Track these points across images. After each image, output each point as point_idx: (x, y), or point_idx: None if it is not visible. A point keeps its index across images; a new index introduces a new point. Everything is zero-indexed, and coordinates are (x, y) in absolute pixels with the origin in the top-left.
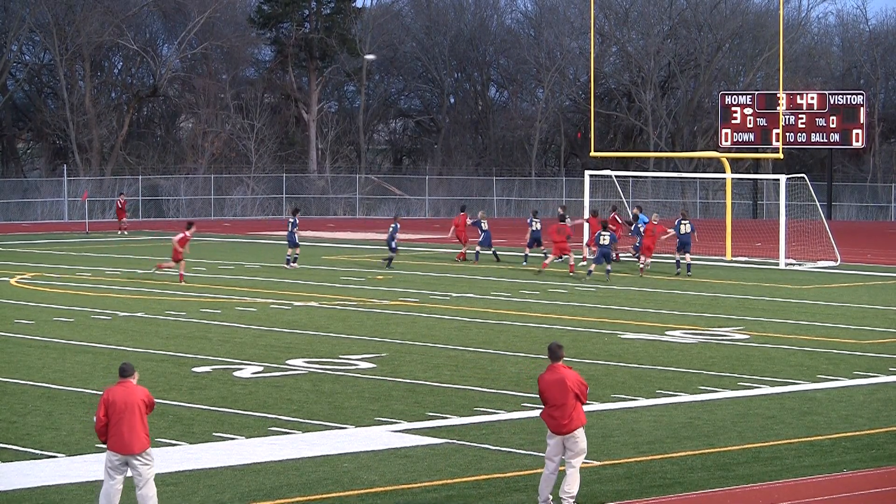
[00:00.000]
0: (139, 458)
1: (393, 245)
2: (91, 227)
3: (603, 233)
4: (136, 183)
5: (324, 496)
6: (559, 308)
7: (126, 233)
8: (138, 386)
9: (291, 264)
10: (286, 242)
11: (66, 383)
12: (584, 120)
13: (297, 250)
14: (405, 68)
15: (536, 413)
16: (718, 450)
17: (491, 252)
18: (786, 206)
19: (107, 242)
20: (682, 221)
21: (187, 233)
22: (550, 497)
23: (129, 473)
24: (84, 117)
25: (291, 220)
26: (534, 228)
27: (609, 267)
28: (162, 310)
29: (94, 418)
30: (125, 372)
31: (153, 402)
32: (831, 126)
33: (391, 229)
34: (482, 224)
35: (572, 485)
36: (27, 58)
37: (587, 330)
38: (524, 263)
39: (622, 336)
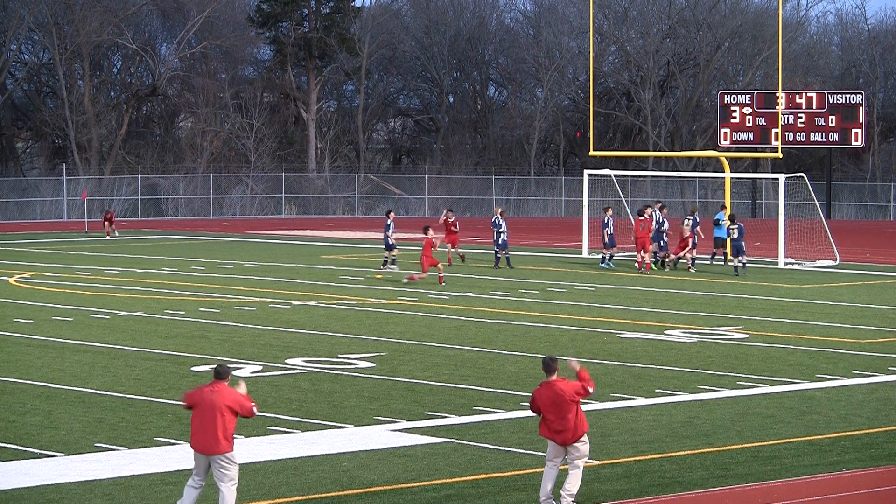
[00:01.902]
0: (217, 459)
1: (500, 241)
2: (90, 226)
3: (732, 226)
4: (134, 182)
5: (323, 495)
6: (558, 307)
7: (111, 234)
8: (229, 389)
9: (390, 266)
10: (383, 245)
11: (65, 382)
12: (584, 119)
13: (395, 252)
14: (404, 67)
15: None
16: (717, 449)
17: (502, 255)
18: (785, 206)
19: (106, 242)
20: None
21: (430, 235)
22: (552, 497)
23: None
24: (83, 116)
25: (388, 221)
26: (664, 228)
27: (742, 260)
28: (161, 309)
29: None
30: (218, 374)
31: (241, 405)
32: (830, 125)
33: (500, 225)
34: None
35: (573, 484)
36: (26, 57)
37: (586, 329)
38: (666, 269)
39: (621, 335)
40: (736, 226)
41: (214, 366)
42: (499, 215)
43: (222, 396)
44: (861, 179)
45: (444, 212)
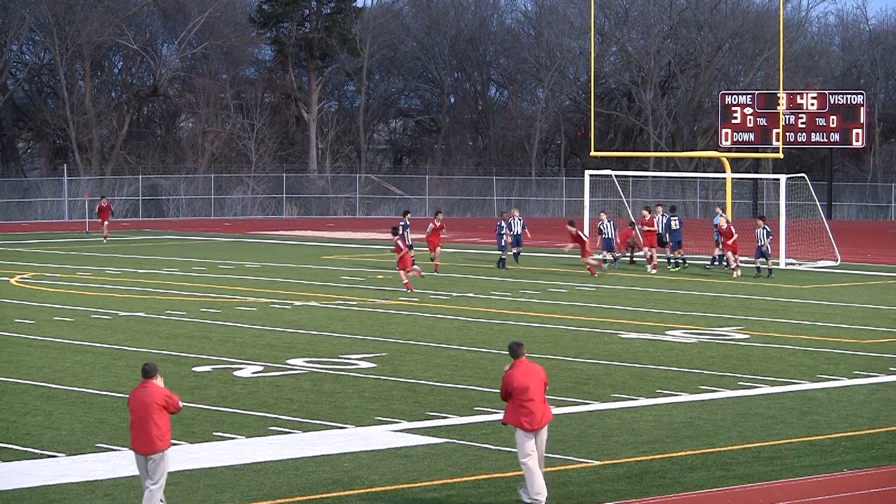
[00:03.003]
0: (150, 458)
1: (502, 243)
2: (91, 226)
3: (764, 226)
4: (136, 182)
5: (324, 496)
6: (559, 308)
7: (105, 240)
8: (158, 387)
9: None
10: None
11: (66, 383)
12: (585, 119)
13: (411, 252)
14: (405, 68)
15: None
16: (719, 449)
17: (513, 253)
18: (786, 206)
19: (107, 242)
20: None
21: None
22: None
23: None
24: (84, 117)
25: (403, 222)
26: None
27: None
28: (162, 309)
29: None
30: (146, 373)
31: (170, 401)
32: (831, 126)
33: (512, 226)
34: (513, 223)
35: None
36: (27, 57)
37: (587, 329)
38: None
39: (622, 336)
40: (764, 229)
41: (143, 364)
42: (514, 216)
43: (153, 395)
44: (862, 180)
45: (437, 214)
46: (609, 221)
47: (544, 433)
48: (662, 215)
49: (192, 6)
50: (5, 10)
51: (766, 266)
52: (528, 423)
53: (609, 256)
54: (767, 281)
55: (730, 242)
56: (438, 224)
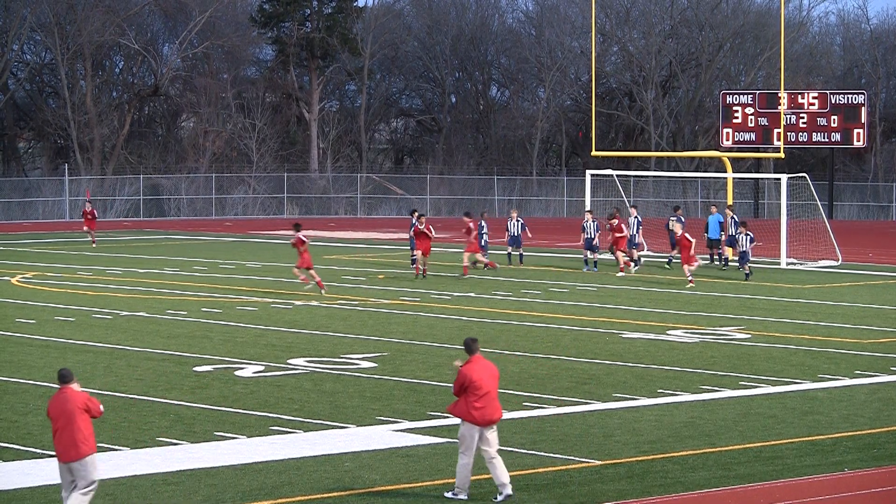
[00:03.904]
0: (78, 466)
1: (481, 243)
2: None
3: (747, 233)
4: (137, 182)
5: (325, 495)
6: (560, 307)
7: (94, 245)
8: (77, 392)
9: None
10: (409, 246)
11: None
12: (586, 119)
13: (416, 252)
14: (406, 67)
15: (537, 413)
16: (720, 449)
17: (509, 254)
18: (787, 206)
19: (108, 242)
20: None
21: (300, 234)
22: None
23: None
24: (85, 116)
25: (413, 220)
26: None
27: (748, 271)
28: (163, 309)
29: None
30: (63, 378)
31: (90, 405)
32: (832, 125)
33: (510, 227)
34: (511, 225)
35: (505, 473)
36: (28, 57)
37: (589, 329)
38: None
39: (624, 335)
40: (749, 234)
41: (59, 369)
42: (512, 217)
43: (73, 401)
44: (863, 180)
45: (417, 217)
46: (593, 222)
47: (495, 432)
48: (635, 217)
49: (193, 6)
50: (6, 10)
51: (744, 269)
52: (479, 415)
53: (590, 256)
54: (768, 281)
55: (687, 252)
56: (423, 226)
